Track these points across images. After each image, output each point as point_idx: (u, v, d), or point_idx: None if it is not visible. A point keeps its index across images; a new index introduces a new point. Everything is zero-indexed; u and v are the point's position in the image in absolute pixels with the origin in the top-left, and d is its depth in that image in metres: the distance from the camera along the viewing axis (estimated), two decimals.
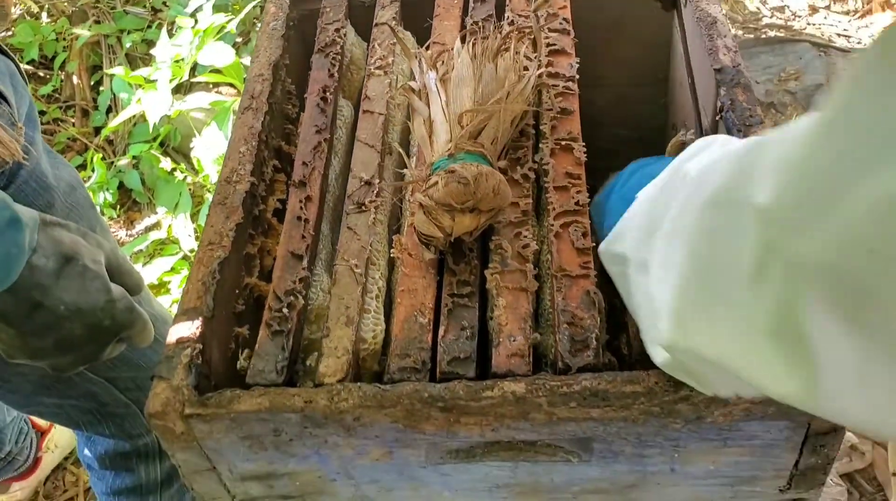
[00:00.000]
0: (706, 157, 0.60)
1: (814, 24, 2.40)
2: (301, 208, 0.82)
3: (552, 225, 0.75)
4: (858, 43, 2.30)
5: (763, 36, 2.35)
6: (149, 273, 1.93)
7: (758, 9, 2.46)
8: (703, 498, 0.75)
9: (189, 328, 0.72)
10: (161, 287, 1.94)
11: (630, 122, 1.19)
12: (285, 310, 0.73)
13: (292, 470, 0.72)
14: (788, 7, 2.47)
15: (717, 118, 0.87)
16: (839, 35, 2.34)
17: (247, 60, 2.13)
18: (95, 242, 0.73)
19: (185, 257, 1.97)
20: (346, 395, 0.66)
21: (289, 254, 0.78)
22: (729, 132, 0.84)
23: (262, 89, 0.94)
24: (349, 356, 0.69)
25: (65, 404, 1.08)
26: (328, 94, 0.94)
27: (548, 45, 0.93)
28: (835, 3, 2.44)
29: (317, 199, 0.84)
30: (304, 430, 0.67)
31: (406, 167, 0.85)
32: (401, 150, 0.85)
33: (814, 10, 2.45)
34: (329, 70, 0.96)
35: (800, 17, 2.43)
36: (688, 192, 0.54)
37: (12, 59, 0.94)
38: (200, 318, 0.72)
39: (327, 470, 0.72)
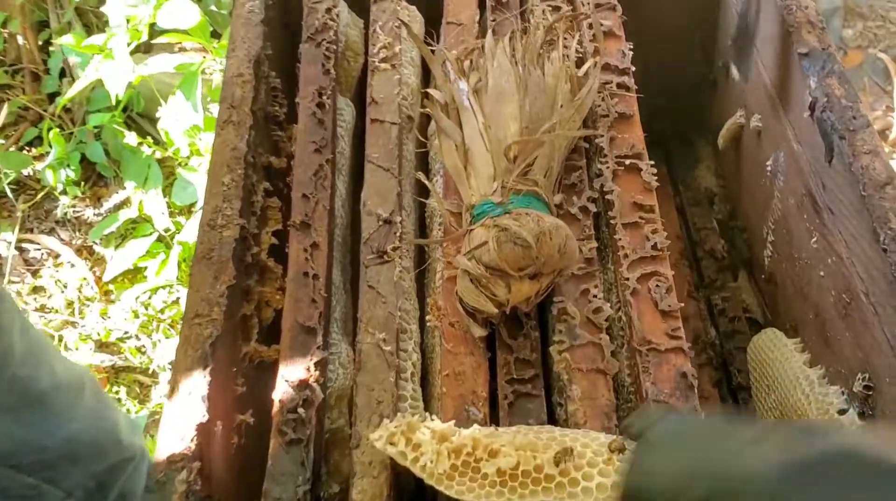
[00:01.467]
0: None
1: None
2: (307, 258, 0.66)
3: (626, 279, 0.60)
4: None
5: None
6: (122, 259, 1.76)
7: None
8: None
9: (182, 440, 0.57)
10: (137, 274, 1.78)
11: (668, 90, 1.03)
12: (301, 410, 0.58)
13: None
14: None
15: (806, 115, 0.71)
16: None
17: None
18: None
19: (160, 239, 1.80)
20: None
21: (297, 327, 0.62)
22: (826, 136, 0.68)
23: (242, 95, 0.76)
24: (388, 472, 0.55)
25: None
26: (325, 97, 0.77)
27: (589, 25, 0.75)
28: None
29: (325, 244, 0.68)
30: None
31: (429, 194, 0.69)
32: (426, 180, 0.68)
33: None
34: (323, 65, 0.79)
35: None
36: None
37: None
38: (195, 424, 0.57)
39: None
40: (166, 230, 1.80)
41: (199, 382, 0.59)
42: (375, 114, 0.74)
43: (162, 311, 1.72)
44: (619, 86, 0.71)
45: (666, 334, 0.58)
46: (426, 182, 0.67)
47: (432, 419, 0.55)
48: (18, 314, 0.94)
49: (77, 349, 1.70)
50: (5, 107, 2.02)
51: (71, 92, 1.79)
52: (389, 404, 0.58)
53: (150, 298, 1.73)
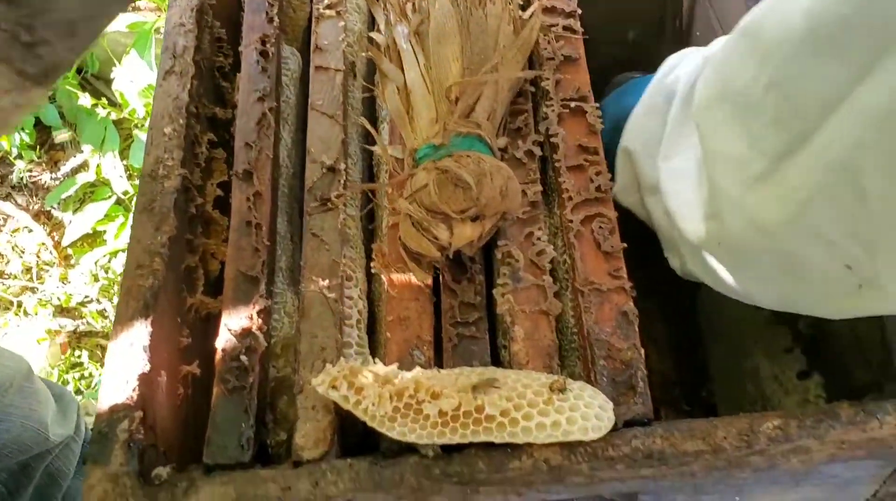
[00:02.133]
0: (685, 67, 0.59)
1: None
2: (250, 208, 0.65)
3: (570, 222, 0.60)
4: None
5: None
6: (81, 223, 1.74)
7: None
8: None
9: (123, 390, 0.56)
10: (96, 237, 1.75)
11: (620, 39, 1.02)
12: (243, 357, 0.57)
13: None
14: None
15: None
16: None
17: None
18: None
19: (118, 202, 1.77)
20: (335, 477, 0.51)
21: (240, 276, 0.62)
22: None
23: (185, 45, 0.74)
24: (331, 416, 0.55)
25: None
26: (268, 46, 0.75)
27: None
28: None
29: (268, 194, 0.67)
30: None
31: (375, 142, 0.68)
32: (369, 126, 0.67)
33: None
34: (267, 13, 0.77)
35: None
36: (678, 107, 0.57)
37: None
38: (136, 374, 0.57)
39: None
40: (125, 193, 1.78)
41: (140, 332, 0.58)
42: (320, 61, 0.73)
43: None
44: (566, 28, 0.70)
45: (608, 274, 0.58)
46: (370, 128, 0.66)
47: (375, 363, 0.55)
48: None
49: (37, 314, 1.68)
50: None
51: None
52: (333, 350, 0.58)
53: (109, 261, 1.71)
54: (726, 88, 0.50)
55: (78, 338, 1.69)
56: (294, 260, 0.69)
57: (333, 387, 0.53)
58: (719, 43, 0.55)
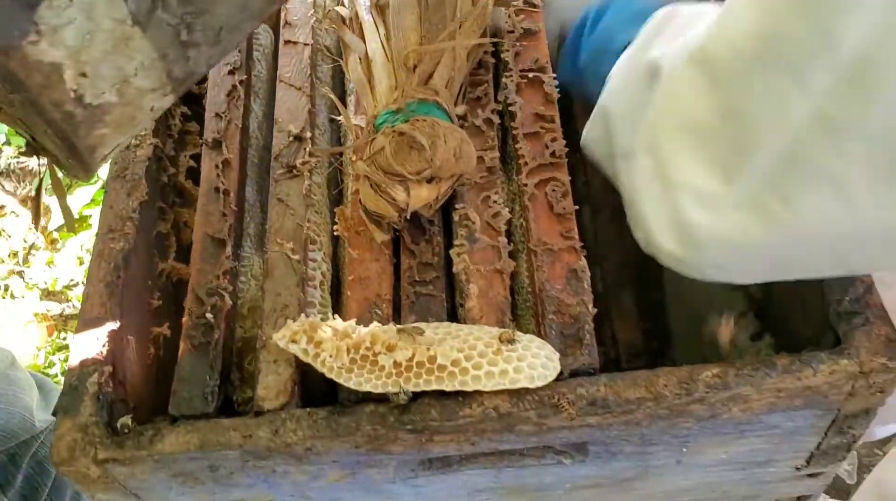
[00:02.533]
0: (671, 46, 0.55)
1: None
2: (218, 175, 0.67)
3: (525, 185, 0.62)
4: None
5: None
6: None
7: None
8: (711, 483, 0.66)
9: (94, 346, 0.58)
10: (82, 222, 1.77)
11: None
12: (209, 315, 0.60)
13: (239, 498, 0.61)
14: None
15: None
16: None
17: None
18: None
19: (104, 186, 1.78)
20: (294, 425, 0.54)
21: (207, 239, 0.64)
22: None
23: None
24: (292, 369, 0.57)
25: None
26: None
27: None
28: None
29: (237, 161, 0.69)
30: (245, 464, 0.56)
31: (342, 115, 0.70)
32: (334, 97, 0.69)
33: None
34: None
35: None
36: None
37: None
38: (106, 331, 0.59)
39: (279, 494, 0.61)
40: None
41: (111, 292, 0.61)
42: (289, 35, 0.75)
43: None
44: (526, 2, 0.72)
45: (560, 235, 0.60)
46: (334, 99, 0.69)
47: (334, 319, 0.57)
48: None
49: (23, 297, 1.70)
50: None
51: None
52: (295, 308, 0.60)
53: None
54: (682, 119, 0.50)
55: (64, 321, 1.71)
56: (262, 227, 0.71)
57: (293, 341, 0.56)
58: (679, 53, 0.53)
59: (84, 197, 1.77)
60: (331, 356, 0.54)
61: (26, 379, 1.07)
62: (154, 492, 0.59)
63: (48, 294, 1.73)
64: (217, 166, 0.68)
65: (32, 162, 1.93)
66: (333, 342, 0.55)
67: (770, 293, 0.70)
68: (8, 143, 1.90)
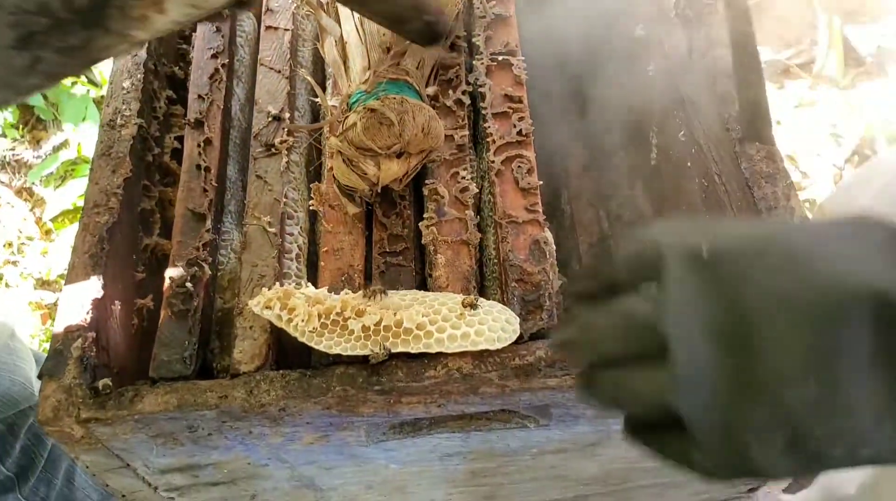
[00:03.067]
0: None
1: None
2: (200, 153, 0.70)
3: (493, 162, 0.65)
4: None
5: None
6: (62, 198, 1.78)
7: None
8: None
9: (78, 313, 0.61)
10: (77, 212, 1.80)
11: None
12: (189, 284, 0.63)
13: (216, 461, 0.64)
14: None
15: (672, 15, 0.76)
16: None
17: None
18: None
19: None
20: (267, 386, 0.56)
21: (188, 213, 0.67)
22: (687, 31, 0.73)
23: None
24: (267, 335, 0.60)
25: None
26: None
27: None
28: None
29: (218, 140, 0.72)
30: (222, 424, 0.59)
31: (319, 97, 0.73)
32: (309, 78, 0.72)
33: None
34: None
35: None
36: None
37: None
38: (90, 299, 0.62)
39: (256, 457, 0.64)
40: None
41: (95, 263, 0.63)
42: (270, 21, 0.78)
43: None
44: None
45: (525, 208, 0.63)
46: (310, 80, 0.71)
47: (307, 287, 0.60)
48: None
49: (18, 286, 1.73)
50: None
51: None
52: (271, 278, 0.63)
53: None
54: None
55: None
56: (242, 204, 0.74)
57: (268, 307, 0.58)
58: None
59: (78, 189, 1.80)
60: (303, 321, 0.57)
61: (26, 351, 1.10)
62: (135, 454, 0.62)
63: (42, 284, 1.75)
64: (199, 145, 0.70)
65: (27, 153, 1.95)
66: (305, 308, 0.58)
67: None
68: (3, 135, 1.93)
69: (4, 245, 1.79)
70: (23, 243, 1.79)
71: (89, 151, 1.82)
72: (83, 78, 1.83)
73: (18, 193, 1.88)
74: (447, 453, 0.67)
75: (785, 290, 0.34)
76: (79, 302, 0.62)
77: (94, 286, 0.62)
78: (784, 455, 0.35)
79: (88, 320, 0.61)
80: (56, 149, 1.92)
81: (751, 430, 0.35)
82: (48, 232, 1.80)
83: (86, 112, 1.86)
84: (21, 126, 1.95)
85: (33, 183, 1.87)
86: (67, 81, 1.79)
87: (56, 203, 1.79)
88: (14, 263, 1.76)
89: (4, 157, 1.92)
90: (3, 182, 1.90)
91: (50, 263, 1.75)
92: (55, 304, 1.73)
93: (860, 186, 0.93)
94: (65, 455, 1.17)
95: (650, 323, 0.36)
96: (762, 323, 0.34)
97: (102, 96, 1.88)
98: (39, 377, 0.60)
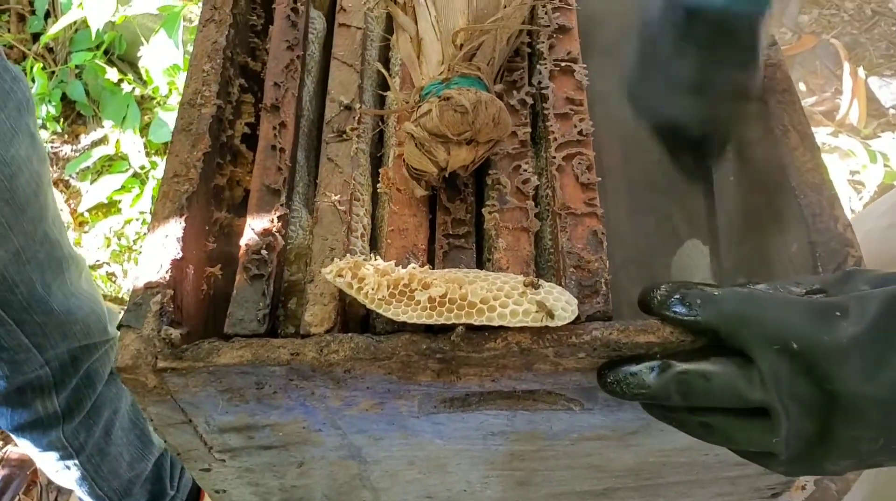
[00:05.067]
0: None
1: None
2: (276, 135, 0.74)
3: (553, 158, 0.69)
4: None
5: None
6: (97, 192, 1.83)
7: None
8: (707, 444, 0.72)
9: (158, 272, 0.65)
10: (111, 207, 1.85)
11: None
12: (264, 251, 0.66)
13: (275, 422, 0.67)
14: None
15: None
16: None
17: None
18: None
19: (135, 175, 1.86)
20: (337, 347, 0.60)
21: (264, 188, 0.71)
22: None
23: None
24: (336, 302, 0.64)
25: None
26: (299, 4, 0.85)
27: None
28: None
29: (292, 125, 0.76)
30: (289, 382, 0.62)
31: (389, 89, 0.77)
32: (383, 69, 0.77)
33: None
34: None
35: None
36: None
37: None
38: (169, 260, 0.65)
39: (312, 421, 0.67)
40: (142, 168, 1.87)
41: (174, 227, 0.67)
42: (343, 19, 0.83)
43: (135, 242, 1.79)
44: (562, 2, 0.80)
45: (583, 202, 0.67)
46: (384, 71, 0.76)
47: (376, 260, 0.64)
48: (49, 176, 1.01)
49: None
50: None
51: (55, 28, 1.85)
52: (340, 251, 0.67)
53: (123, 228, 1.80)
54: None
55: None
56: (310, 188, 0.78)
57: (339, 276, 0.62)
58: None
59: (114, 184, 1.84)
60: (372, 289, 0.61)
61: (98, 292, 1.14)
62: (200, 409, 0.65)
63: None
64: (274, 128, 0.75)
65: (66, 148, 2.00)
66: (375, 277, 0.61)
67: None
68: (44, 127, 1.98)
69: None
70: None
71: (127, 148, 1.88)
72: (130, 75, 1.89)
73: (55, 184, 1.93)
74: (492, 431, 0.70)
75: (860, 386, 0.48)
76: (158, 262, 0.65)
77: (172, 248, 0.66)
78: (850, 466, 0.51)
79: (167, 278, 0.64)
80: (94, 144, 1.98)
81: (830, 462, 0.51)
82: (82, 223, 1.85)
83: (127, 110, 1.92)
84: (62, 120, 2.00)
85: (70, 176, 1.92)
86: (114, 76, 1.85)
87: (91, 196, 1.84)
88: None
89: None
90: None
91: (82, 253, 1.79)
92: None
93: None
94: (106, 406, 1.20)
95: (755, 398, 0.51)
96: (848, 405, 0.48)
97: (144, 95, 1.94)
98: (118, 327, 0.63)
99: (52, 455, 1.20)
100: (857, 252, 0.64)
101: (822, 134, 2.07)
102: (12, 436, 1.21)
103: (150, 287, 0.64)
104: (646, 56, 0.77)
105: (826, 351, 0.48)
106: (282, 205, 0.70)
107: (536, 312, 0.59)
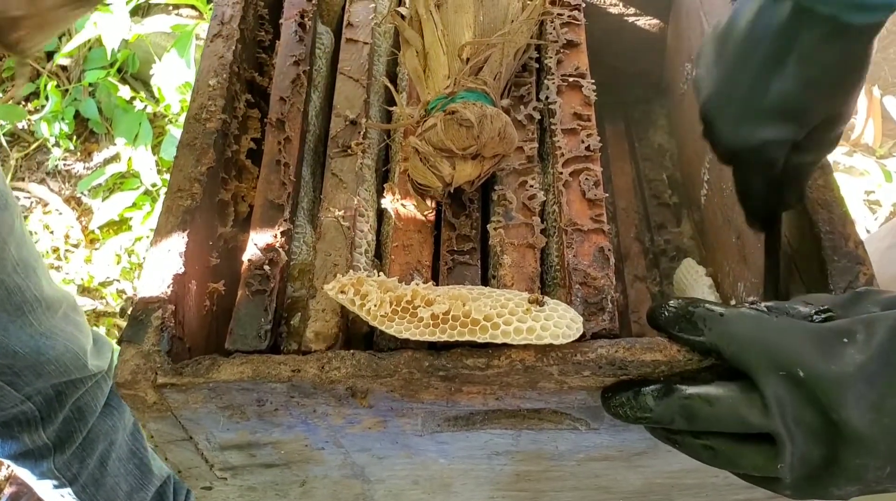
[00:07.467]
0: None
1: None
2: (280, 150, 0.74)
3: (560, 173, 0.68)
4: None
5: None
6: (109, 209, 1.83)
7: None
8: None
9: (159, 286, 0.64)
10: (122, 224, 1.85)
11: (627, 54, 1.11)
12: (266, 267, 0.66)
13: (276, 440, 0.66)
14: None
15: None
16: None
17: None
18: None
19: (146, 192, 1.87)
20: (339, 364, 0.59)
21: (268, 203, 0.70)
22: None
23: (232, 14, 0.84)
24: (339, 318, 0.63)
25: None
26: (306, 19, 0.85)
27: None
28: None
29: (297, 140, 0.76)
30: (290, 400, 0.61)
31: (395, 105, 0.77)
32: (389, 84, 0.76)
33: None
34: None
35: None
36: None
37: None
38: (171, 274, 0.65)
39: (314, 439, 0.66)
40: (153, 185, 1.88)
41: (177, 242, 0.67)
42: (350, 34, 0.83)
43: (145, 259, 1.79)
44: (571, 18, 0.79)
45: (590, 218, 0.66)
46: (390, 86, 0.76)
47: (379, 276, 0.63)
48: (20, 224, 1.01)
49: None
50: (4, 63, 2.09)
51: (69, 46, 1.87)
52: (343, 267, 0.66)
53: (133, 245, 1.80)
54: None
55: (97, 317, 1.77)
56: (314, 203, 0.78)
57: (342, 292, 0.61)
58: None
59: (125, 201, 1.85)
60: (375, 306, 0.60)
61: (84, 324, 1.13)
62: (201, 426, 0.64)
63: (84, 290, 1.79)
64: (279, 142, 0.74)
65: (78, 165, 2.01)
66: (378, 293, 0.61)
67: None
68: (57, 145, 1.99)
69: (50, 250, 1.84)
70: (68, 250, 1.84)
71: (139, 165, 1.88)
72: (142, 93, 1.90)
73: (67, 201, 1.94)
74: (496, 451, 0.68)
75: (866, 416, 0.47)
76: (160, 276, 0.65)
77: (174, 262, 0.66)
78: (856, 492, 0.49)
79: (168, 293, 0.64)
80: (107, 162, 1.98)
81: (836, 488, 0.49)
82: (93, 240, 1.85)
83: (139, 129, 1.93)
84: (75, 138, 2.01)
85: (82, 193, 1.93)
86: (126, 94, 1.85)
87: (103, 213, 1.84)
88: (58, 268, 1.81)
89: (56, 166, 1.98)
90: (53, 190, 1.95)
91: (93, 270, 1.79)
92: (94, 311, 1.77)
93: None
94: (101, 438, 1.19)
95: (759, 424, 0.49)
96: (854, 434, 0.47)
97: (156, 113, 1.94)
98: (118, 342, 0.63)
99: (48, 483, 1.20)
100: (868, 270, 0.63)
101: (836, 153, 2.05)
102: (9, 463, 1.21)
103: (150, 302, 0.63)
104: (730, 66, 0.62)
105: (832, 381, 0.47)
106: (285, 220, 0.69)
107: (541, 329, 0.58)
